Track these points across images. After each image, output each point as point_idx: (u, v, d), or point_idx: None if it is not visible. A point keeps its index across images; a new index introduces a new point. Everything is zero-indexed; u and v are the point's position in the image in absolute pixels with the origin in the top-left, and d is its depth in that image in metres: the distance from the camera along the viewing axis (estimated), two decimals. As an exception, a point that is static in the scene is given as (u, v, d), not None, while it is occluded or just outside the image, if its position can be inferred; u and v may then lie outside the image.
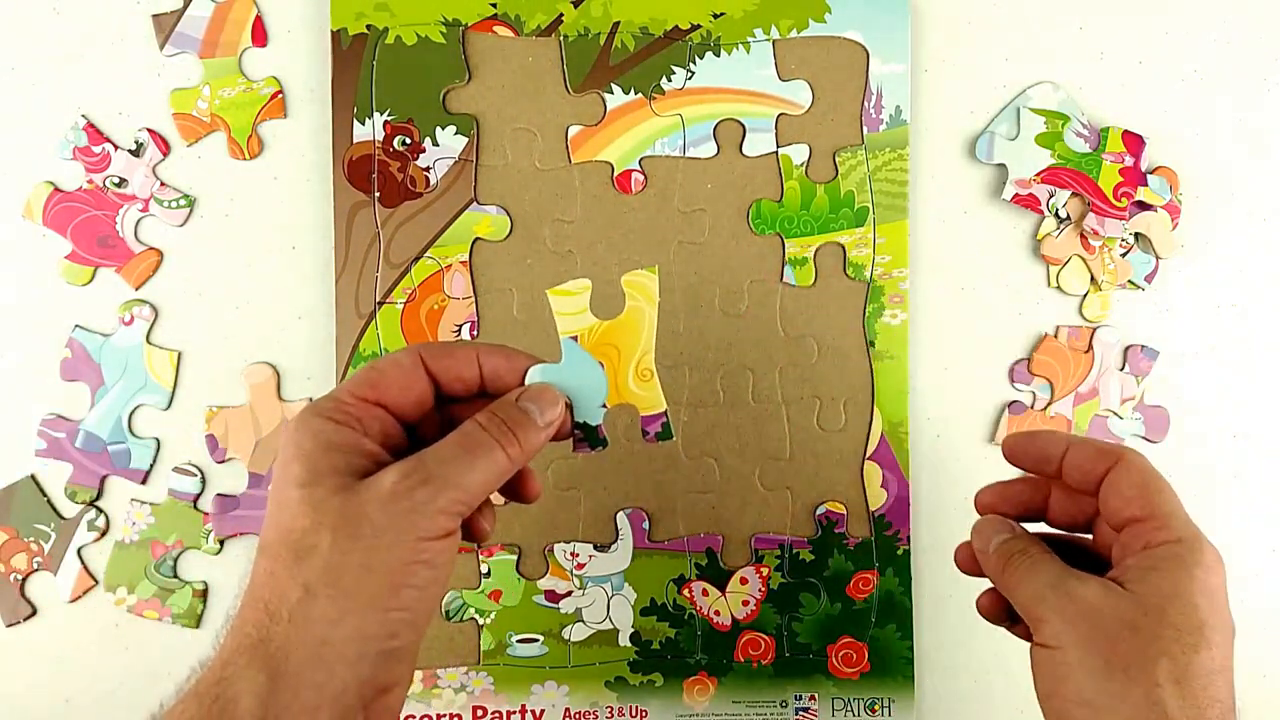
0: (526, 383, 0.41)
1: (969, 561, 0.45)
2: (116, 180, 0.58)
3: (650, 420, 0.47)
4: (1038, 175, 0.60)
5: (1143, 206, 0.60)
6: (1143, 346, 0.60)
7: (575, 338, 0.44)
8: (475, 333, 0.58)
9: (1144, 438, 0.60)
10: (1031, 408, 0.60)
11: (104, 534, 0.58)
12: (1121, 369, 0.60)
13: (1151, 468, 0.42)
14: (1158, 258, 0.61)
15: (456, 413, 0.41)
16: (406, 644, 0.36)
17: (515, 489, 0.42)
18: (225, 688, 0.34)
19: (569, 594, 0.58)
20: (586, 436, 0.43)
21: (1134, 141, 0.60)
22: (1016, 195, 0.60)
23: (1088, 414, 0.60)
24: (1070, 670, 0.38)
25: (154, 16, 0.58)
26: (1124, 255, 0.60)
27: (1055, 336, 0.60)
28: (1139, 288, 0.61)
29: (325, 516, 0.35)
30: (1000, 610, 0.44)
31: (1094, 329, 0.60)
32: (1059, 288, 0.60)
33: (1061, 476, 0.43)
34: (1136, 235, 0.61)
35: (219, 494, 0.58)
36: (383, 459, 0.37)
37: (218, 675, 0.35)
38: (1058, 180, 0.60)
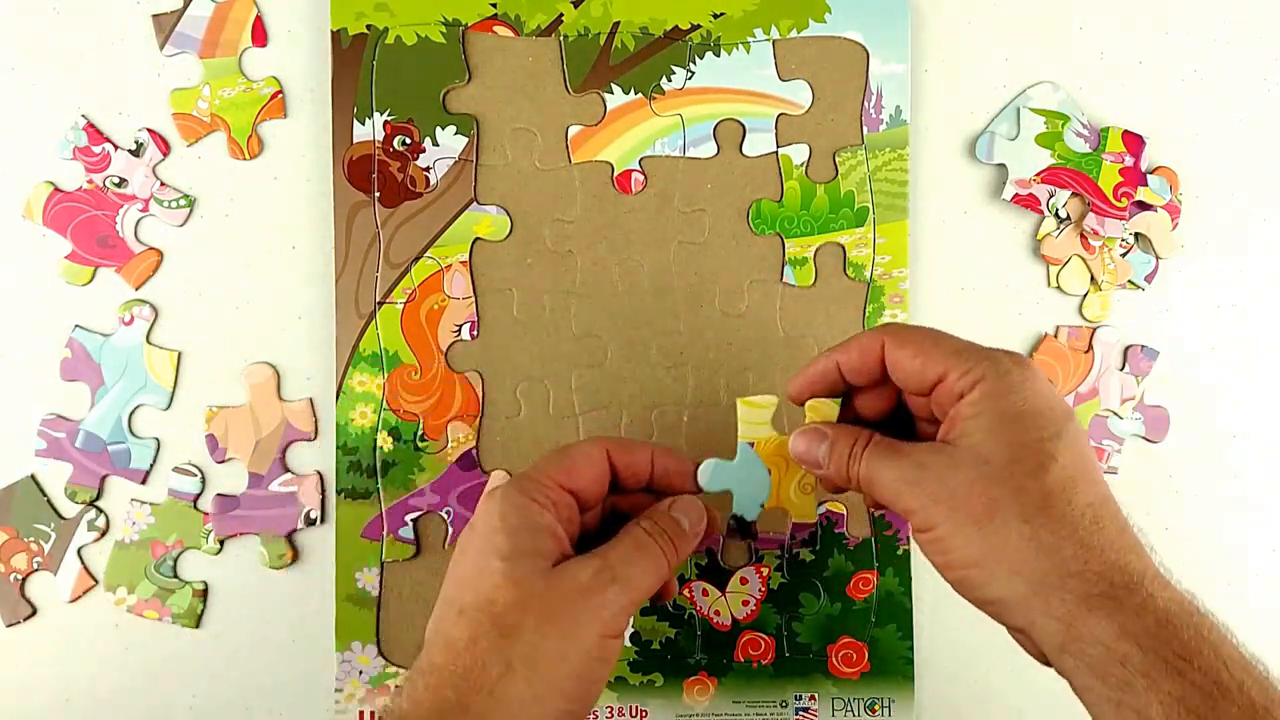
0: (700, 474, 0.47)
1: (830, 483, 0.45)
2: (116, 180, 0.58)
3: (800, 528, 0.57)
4: (1038, 175, 0.60)
5: (1143, 206, 0.60)
6: (1143, 346, 0.60)
7: (751, 444, 0.51)
8: (475, 333, 0.58)
9: (1144, 437, 0.60)
10: None
11: (104, 534, 0.58)
12: (1121, 369, 0.60)
13: (915, 328, 0.43)
14: (1158, 258, 0.61)
15: (614, 503, 0.46)
16: None
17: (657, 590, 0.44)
18: None
19: (569, 594, 0.58)
20: (739, 528, 0.52)
21: (1134, 141, 0.60)
22: (1016, 195, 0.60)
23: (1088, 414, 0.60)
24: (949, 543, 0.39)
25: (154, 16, 0.58)
26: (1124, 255, 0.60)
27: (1055, 336, 0.60)
28: (1139, 288, 0.61)
29: (529, 598, 0.38)
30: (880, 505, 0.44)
31: (1094, 329, 0.60)
32: (1059, 288, 0.60)
33: (848, 384, 0.45)
34: (1136, 235, 0.61)
35: (219, 494, 0.58)
36: (566, 548, 0.41)
37: None
38: (1058, 180, 0.60)
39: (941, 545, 0.40)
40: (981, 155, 0.60)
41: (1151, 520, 0.60)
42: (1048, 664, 0.40)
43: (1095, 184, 0.60)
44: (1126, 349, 0.60)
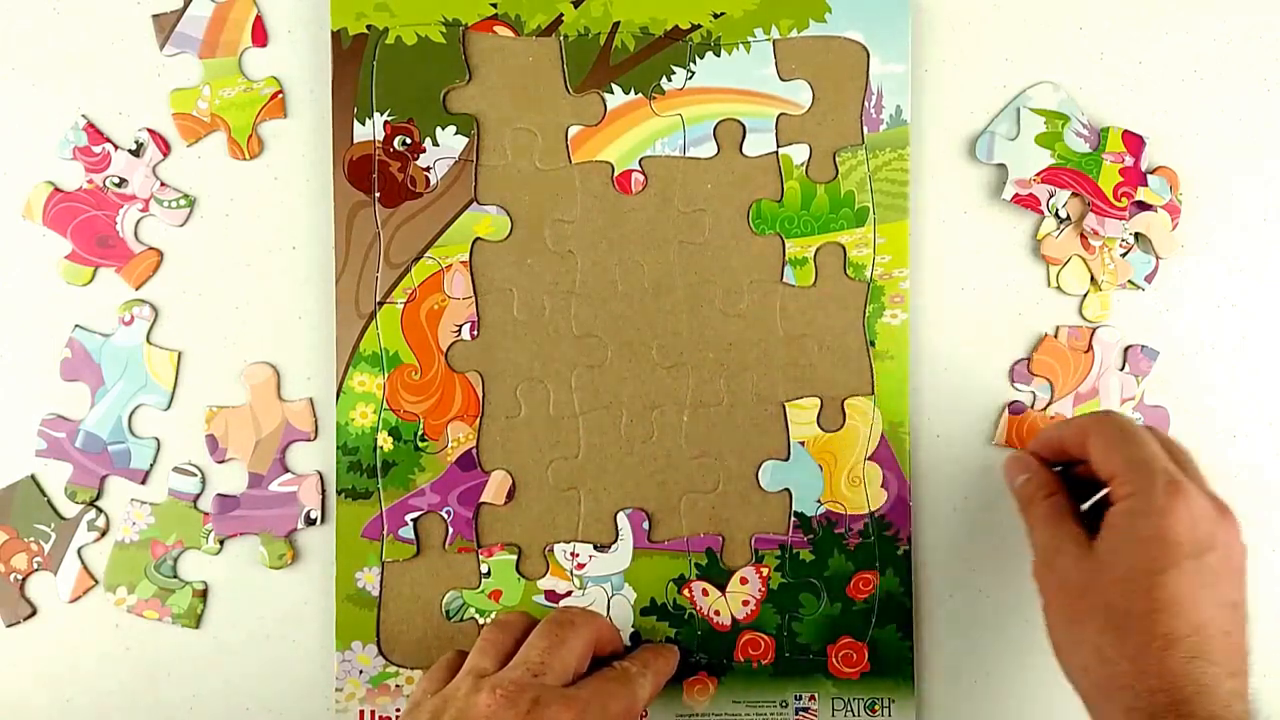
0: (760, 476, 0.58)
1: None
2: (116, 180, 0.58)
3: (855, 519, 0.59)
4: (1038, 175, 0.60)
5: (1143, 206, 0.60)
6: (1143, 346, 0.60)
7: (802, 443, 0.58)
8: (475, 333, 0.58)
9: None
10: (1031, 407, 0.60)
11: (104, 534, 0.58)
12: (1122, 369, 0.60)
13: (1116, 425, 0.48)
14: (1158, 257, 0.61)
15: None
16: None
17: None
18: None
19: (569, 594, 0.58)
20: (801, 524, 0.58)
21: (1134, 141, 0.60)
22: (1016, 195, 0.60)
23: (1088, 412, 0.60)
24: (1049, 622, 0.48)
25: (154, 16, 0.58)
26: (1124, 255, 0.60)
27: (1055, 336, 0.60)
28: (1139, 288, 0.61)
29: None
30: None
31: (1094, 329, 0.60)
32: (1059, 288, 0.60)
33: (1074, 459, 0.51)
34: (1136, 235, 0.61)
35: (219, 494, 0.58)
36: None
37: None
38: (1058, 180, 0.60)
39: (1047, 616, 0.48)
40: (981, 155, 0.60)
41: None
42: None
43: (1095, 184, 0.60)
44: (1126, 349, 0.60)
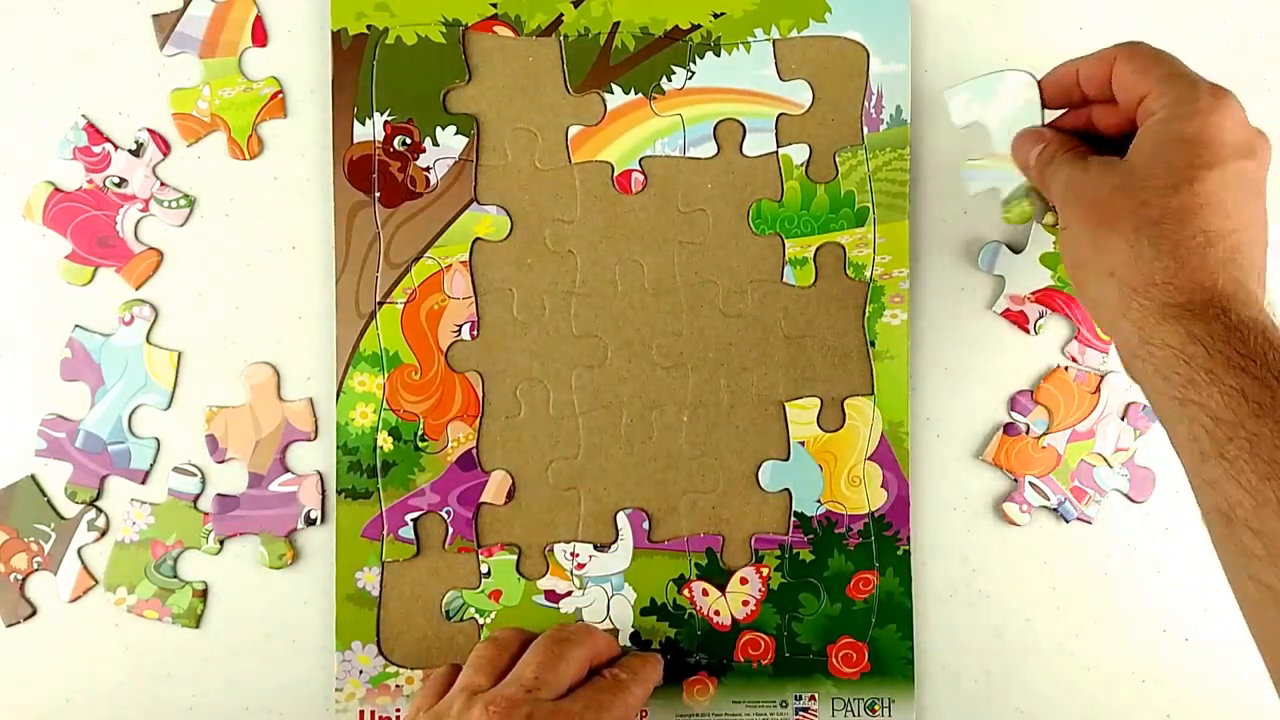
0: (760, 476, 0.57)
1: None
2: (116, 180, 0.58)
3: (855, 519, 0.59)
4: (1032, 295, 0.60)
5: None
6: (1144, 406, 0.60)
7: (802, 443, 0.57)
8: (475, 333, 0.58)
9: (1127, 495, 0.60)
10: (1025, 434, 0.60)
11: (104, 534, 0.58)
12: (1122, 418, 0.60)
13: (1147, 48, 0.46)
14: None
15: None
16: None
17: None
18: None
19: (569, 594, 0.58)
20: (801, 524, 0.58)
21: None
22: (1007, 310, 0.60)
23: (1078, 454, 0.60)
24: (1073, 241, 0.44)
25: (154, 16, 0.58)
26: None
27: (1066, 371, 0.60)
28: None
29: None
30: None
31: (1104, 375, 0.60)
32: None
33: (1088, 98, 0.48)
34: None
35: (219, 494, 0.58)
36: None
37: None
38: (1050, 302, 0.59)
39: (1066, 244, 0.45)
40: (983, 265, 0.59)
41: (1137, 560, 0.60)
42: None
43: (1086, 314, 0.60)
44: (1129, 405, 0.60)
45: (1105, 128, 0.48)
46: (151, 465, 0.58)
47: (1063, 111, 0.51)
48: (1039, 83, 0.50)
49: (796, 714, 0.59)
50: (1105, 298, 0.43)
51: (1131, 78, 0.45)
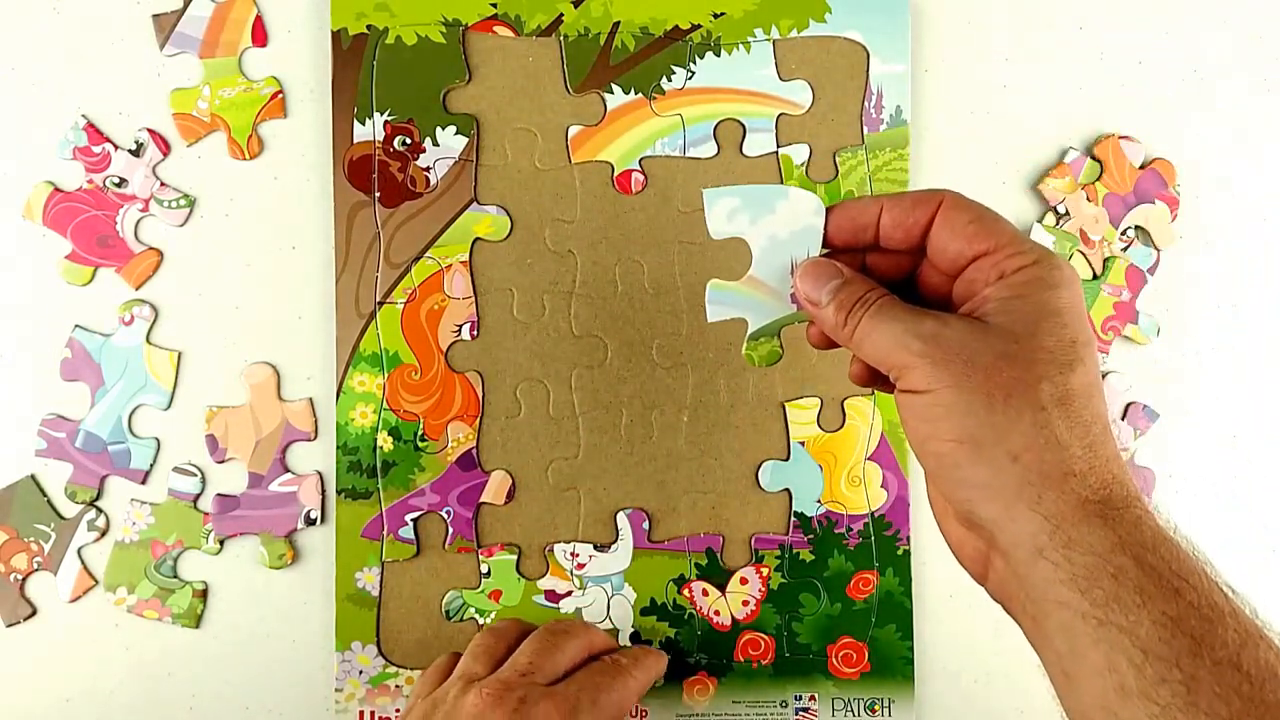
0: (760, 476, 0.55)
1: (820, 337, 0.42)
2: (116, 180, 0.58)
3: (855, 519, 0.59)
4: None
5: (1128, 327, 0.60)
6: (1145, 406, 0.60)
7: (802, 443, 0.56)
8: (475, 333, 0.58)
9: None
10: None
11: (104, 534, 0.58)
12: (1122, 418, 0.60)
13: (971, 200, 0.40)
14: (1157, 249, 0.60)
15: None
16: None
17: None
18: None
19: (569, 594, 0.58)
20: (801, 524, 0.57)
21: (1135, 276, 0.60)
22: None
23: None
24: (948, 411, 0.36)
25: (154, 16, 0.58)
26: (1125, 249, 0.60)
27: None
28: (1148, 340, 0.61)
29: None
30: (870, 377, 0.42)
31: (1104, 375, 0.60)
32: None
33: (880, 241, 0.41)
34: (1137, 228, 0.61)
35: (219, 494, 0.58)
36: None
37: None
38: None
39: (936, 411, 0.36)
40: None
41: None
42: (984, 579, 0.38)
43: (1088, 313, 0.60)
44: (1128, 405, 0.60)
45: (883, 276, 0.42)
46: (151, 465, 0.58)
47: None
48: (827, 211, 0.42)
49: (796, 714, 0.59)
50: (1000, 483, 0.35)
51: (968, 228, 0.39)
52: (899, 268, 0.42)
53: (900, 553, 0.59)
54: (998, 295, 0.37)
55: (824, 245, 0.42)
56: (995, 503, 0.36)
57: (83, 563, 0.58)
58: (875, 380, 0.42)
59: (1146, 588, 0.32)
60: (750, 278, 0.42)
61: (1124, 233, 0.60)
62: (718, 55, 0.59)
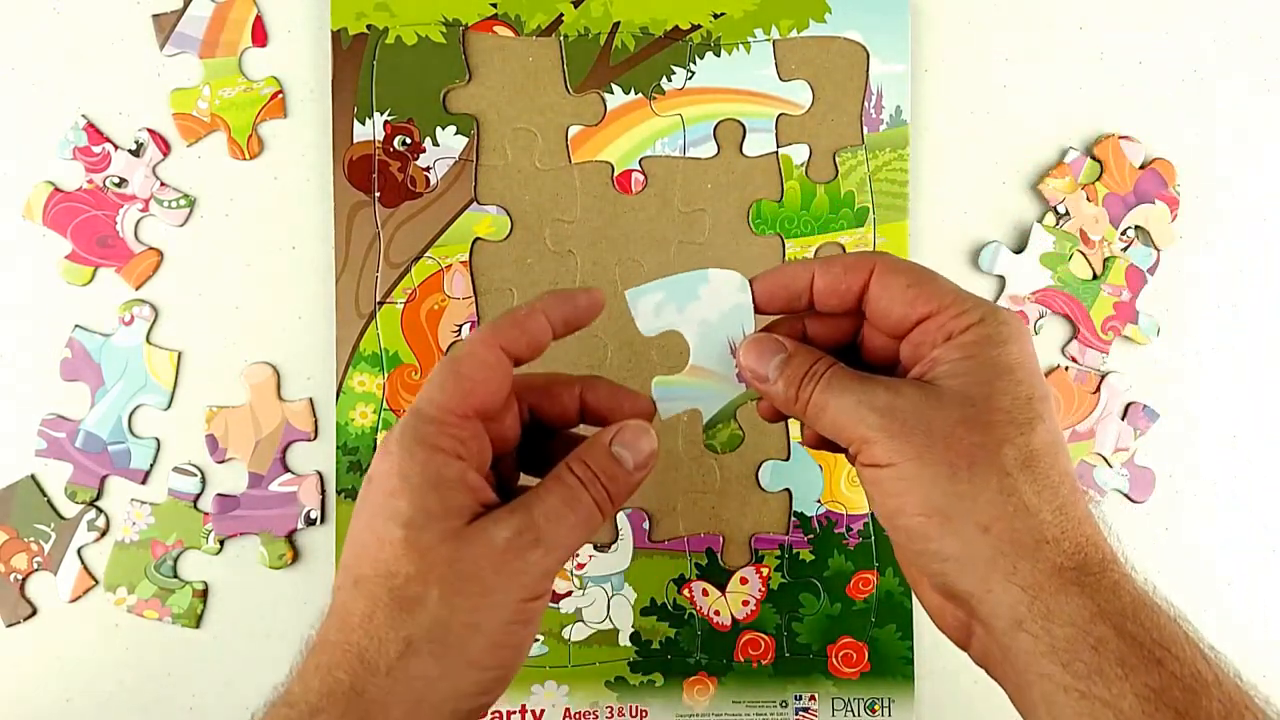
0: (760, 476, 0.48)
1: (770, 411, 0.41)
2: (116, 180, 0.58)
3: (855, 519, 0.59)
4: (1033, 295, 0.60)
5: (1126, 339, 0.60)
6: (1145, 406, 0.60)
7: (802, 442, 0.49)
8: (475, 333, 0.58)
9: (1127, 495, 0.60)
10: None
11: (104, 534, 0.58)
12: (1122, 418, 0.60)
13: (909, 261, 0.39)
14: (1157, 249, 0.60)
15: (534, 407, 0.40)
16: (495, 697, 0.36)
17: None
18: None
19: (569, 594, 0.58)
20: (801, 524, 0.56)
21: (1135, 276, 0.60)
22: None
23: (1079, 454, 0.60)
24: (912, 484, 0.35)
25: (154, 16, 0.58)
26: (1125, 249, 0.60)
27: (1066, 370, 0.60)
28: (1147, 340, 0.61)
29: (433, 567, 0.34)
30: (820, 439, 0.40)
31: (1104, 375, 0.60)
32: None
33: (816, 306, 0.39)
34: (1137, 228, 0.61)
35: (219, 494, 0.58)
36: (484, 494, 0.36)
37: None
38: (1050, 303, 0.60)
39: (900, 486, 0.35)
40: (984, 265, 0.60)
41: (1137, 561, 0.60)
42: (966, 646, 0.37)
43: (1087, 313, 0.60)
44: (1129, 405, 0.60)
45: (824, 344, 0.40)
46: (151, 465, 0.58)
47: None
48: (751, 283, 0.40)
49: (796, 714, 0.59)
50: (973, 555, 0.34)
51: (905, 292, 0.37)
52: (841, 332, 0.41)
53: (900, 553, 0.59)
54: (947, 357, 0.36)
55: (758, 314, 0.41)
56: (970, 576, 0.35)
57: (83, 563, 0.58)
58: (827, 447, 0.40)
59: (1128, 659, 0.32)
60: (693, 367, 0.41)
61: (1124, 233, 0.60)
62: (718, 55, 0.59)
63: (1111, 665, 0.31)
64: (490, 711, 0.58)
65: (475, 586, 0.34)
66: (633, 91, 0.58)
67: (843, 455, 0.39)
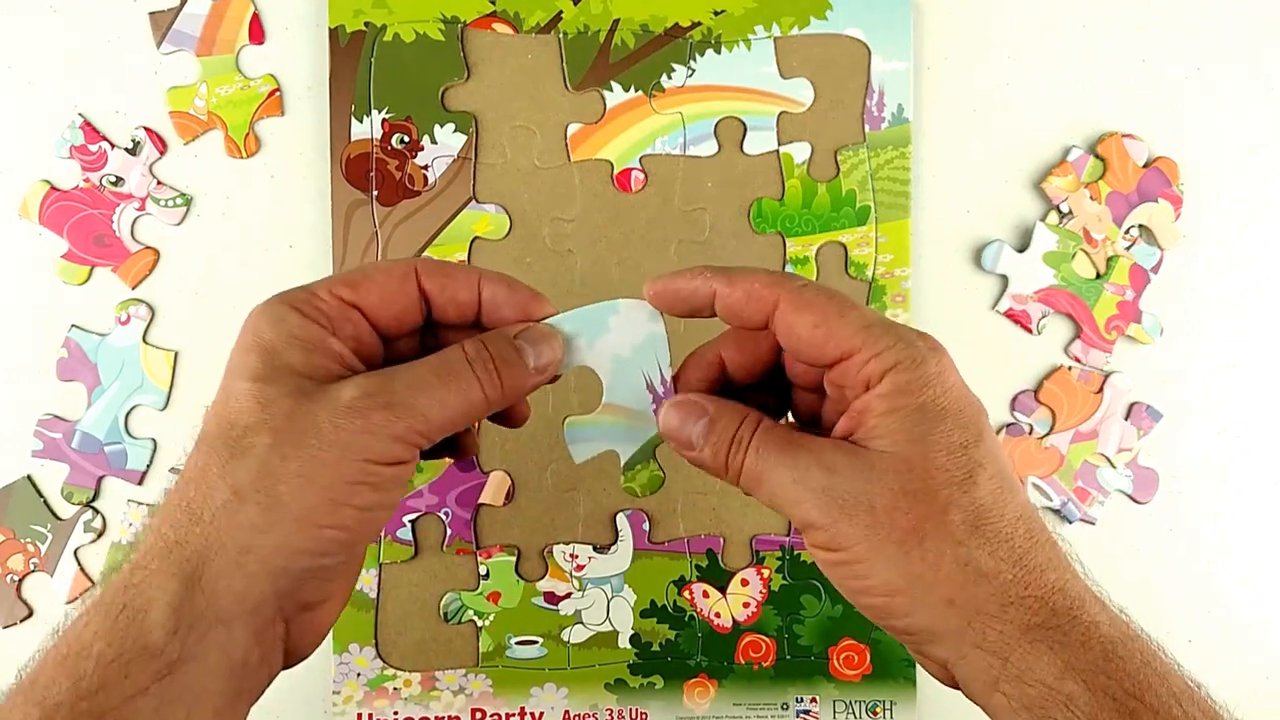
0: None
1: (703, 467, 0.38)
2: (113, 179, 0.58)
3: None
4: (1036, 294, 0.59)
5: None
6: (1148, 406, 0.60)
7: None
8: (474, 332, 0.58)
9: (1130, 496, 0.60)
10: (1028, 434, 0.59)
11: (101, 535, 0.58)
12: (1126, 418, 0.60)
13: (822, 291, 0.36)
14: (1161, 249, 0.60)
15: (447, 339, 0.38)
16: (339, 563, 0.35)
17: (500, 414, 0.39)
18: (134, 595, 0.32)
19: (568, 596, 0.58)
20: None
21: (1139, 275, 0.60)
22: (1010, 309, 0.59)
23: (1082, 454, 0.60)
24: (869, 568, 0.34)
25: (151, 14, 0.58)
26: (1129, 248, 0.60)
27: (1069, 370, 0.60)
28: (1150, 340, 0.60)
29: (272, 417, 0.33)
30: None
31: (1107, 375, 0.60)
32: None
33: (720, 317, 0.38)
34: (1140, 227, 0.60)
35: (216, 495, 0.57)
36: (350, 364, 0.35)
37: (126, 580, 0.32)
38: (1053, 302, 0.59)
39: (856, 570, 0.34)
40: (987, 264, 0.59)
41: (1141, 562, 0.60)
42: (956, 685, 0.37)
43: (1090, 312, 0.59)
44: (1132, 405, 0.60)
45: (743, 375, 0.39)
46: (148, 466, 0.58)
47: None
48: (647, 286, 0.38)
49: (798, 716, 0.58)
50: (944, 628, 0.34)
51: (814, 332, 0.35)
52: (761, 352, 0.39)
53: (902, 554, 0.59)
54: (873, 412, 0.34)
55: (668, 351, 0.39)
56: (943, 647, 0.34)
57: (79, 564, 0.58)
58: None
59: (1098, 714, 0.31)
60: (606, 405, 0.39)
61: (1127, 231, 0.60)
62: (718, 53, 0.58)
63: None
64: (489, 714, 0.58)
65: (312, 439, 0.33)
66: (632, 89, 0.58)
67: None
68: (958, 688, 0.37)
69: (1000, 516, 0.34)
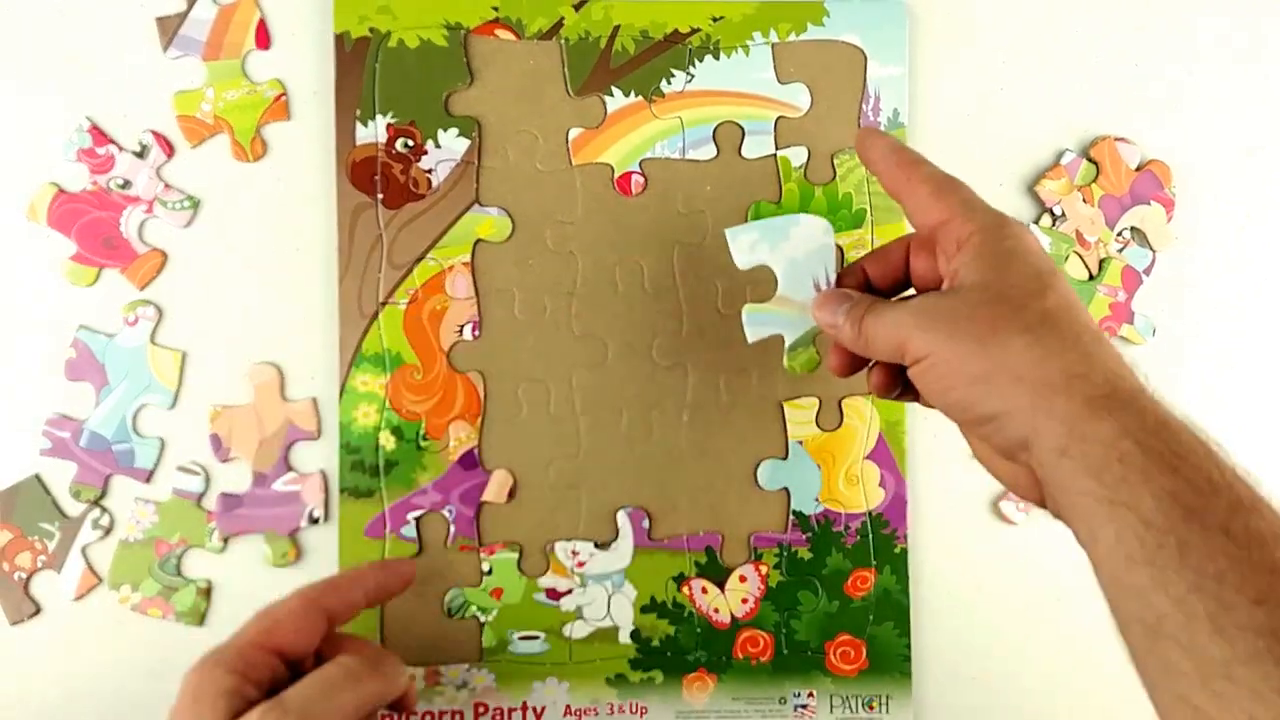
0: (759, 474, 0.55)
1: (840, 365, 0.47)
2: (121, 182, 0.58)
3: (853, 518, 0.59)
4: None
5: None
6: None
7: (800, 442, 0.58)
8: (477, 333, 0.58)
9: None
10: None
11: (108, 532, 0.58)
12: None
13: (939, 174, 0.45)
14: (1154, 251, 0.61)
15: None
16: None
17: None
18: None
19: (570, 592, 0.59)
20: (800, 523, 0.58)
21: (1131, 277, 0.61)
22: None
23: None
24: (950, 364, 0.40)
25: (158, 19, 0.58)
26: (1121, 250, 0.61)
27: None
28: (1143, 340, 0.61)
29: None
30: (888, 379, 0.46)
31: None
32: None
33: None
34: (1133, 229, 0.61)
35: (223, 493, 0.58)
36: (258, 698, 0.44)
37: None
38: None
39: (942, 369, 0.40)
40: None
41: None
42: (1041, 503, 0.41)
43: None
44: None
45: (883, 279, 0.48)
46: (156, 464, 0.58)
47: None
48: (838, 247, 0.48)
49: (795, 710, 0.59)
50: (1016, 405, 0.39)
51: (926, 200, 0.44)
52: (894, 269, 0.47)
53: (898, 551, 0.60)
54: (961, 261, 0.42)
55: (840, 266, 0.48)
56: (1018, 424, 0.39)
57: (87, 561, 0.58)
58: (895, 384, 0.46)
59: (1148, 468, 0.35)
60: (779, 296, 0.48)
61: (1120, 234, 0.61)
62: (717, 58, 0.59)
63: (1134, 474, 0.36)
64: (492, 709, 0.58)
65: None
66: (633, 94, 0.59)
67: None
68: (1036, 494, 0.41)
69: (1070, 322, 0.39)
